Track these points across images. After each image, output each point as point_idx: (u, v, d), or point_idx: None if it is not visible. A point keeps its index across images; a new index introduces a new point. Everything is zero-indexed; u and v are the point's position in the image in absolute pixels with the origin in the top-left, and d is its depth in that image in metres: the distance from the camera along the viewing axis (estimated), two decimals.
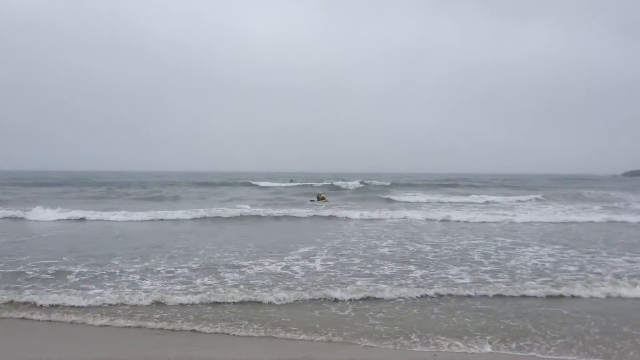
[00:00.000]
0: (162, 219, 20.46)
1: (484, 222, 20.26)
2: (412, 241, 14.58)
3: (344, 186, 48.44)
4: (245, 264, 11.04)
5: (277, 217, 21.44)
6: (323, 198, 30.27)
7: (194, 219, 20.74)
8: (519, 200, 32.55)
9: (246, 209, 23.46)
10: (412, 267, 10.78)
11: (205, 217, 20.94)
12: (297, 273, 10.16)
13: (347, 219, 20.77)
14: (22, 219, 20.47)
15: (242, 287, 8.86)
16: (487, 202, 30.90)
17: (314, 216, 21.81)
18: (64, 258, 11.65)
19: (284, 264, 11.09)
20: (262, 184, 52.51)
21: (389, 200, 32.84)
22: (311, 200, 30.70)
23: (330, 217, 21.36)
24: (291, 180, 61.31)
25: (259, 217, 21.43)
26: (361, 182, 53.25)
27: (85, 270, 10.29)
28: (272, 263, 11.14)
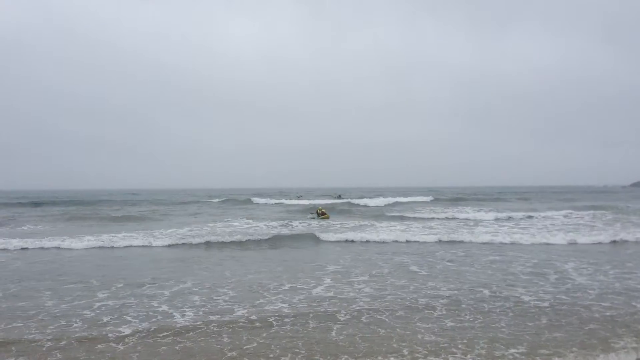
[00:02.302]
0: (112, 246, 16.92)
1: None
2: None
3: (361, 203, 45.34)
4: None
5: (275, 238, 18.82)
6: (324, 213, 29.08)
7: (164, 245, 17.27)
8: (595, 217, 27.43)
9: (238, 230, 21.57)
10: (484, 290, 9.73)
11: (178, 244, 17.36)
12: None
13: (356, 241, 17.98)
14: None
15: None
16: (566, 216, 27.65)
17: (314, 238, 18.97)
18: None
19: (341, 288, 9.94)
20: (262, 201, 51.03)
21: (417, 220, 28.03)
22: (310, 214, 29.39)
23: (338, 241, 18.26)
24: (299, 197, 59.97)
25: (252, 241, 18.05)
26: (388, 199, 49.06)
27: None
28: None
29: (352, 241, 18.19)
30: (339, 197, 54.86)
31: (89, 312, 8.19)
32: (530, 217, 28.21)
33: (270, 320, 7.59)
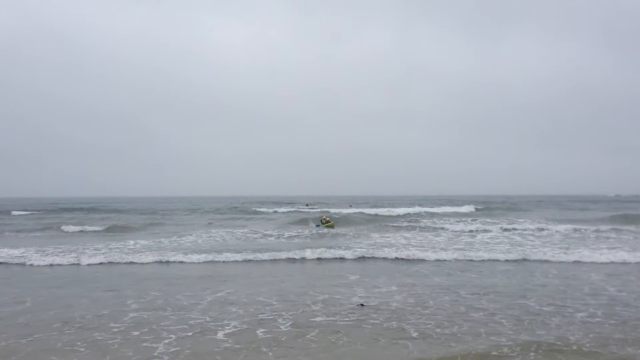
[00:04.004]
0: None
1: None
2: None
3: (393, 214, 40.24)
4: None
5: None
6: (328, 222, 28.12)
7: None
8: None
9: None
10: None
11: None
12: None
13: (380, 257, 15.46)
14: None
15: None
16: None
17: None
18: None
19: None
20: (270, 209, 49.91)
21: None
22: (317, 226, 28.29)
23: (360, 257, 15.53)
24: (308, 205, 59.59)
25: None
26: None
27: None
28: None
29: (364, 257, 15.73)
30: (350, 206, 54.50)
31: (117, 325, 7.74)
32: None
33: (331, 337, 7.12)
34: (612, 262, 14.45)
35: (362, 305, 8.73)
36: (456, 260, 15.04)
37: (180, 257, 15.56)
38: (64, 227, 28.95)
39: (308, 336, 6.97)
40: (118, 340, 6.95)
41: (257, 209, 50.16)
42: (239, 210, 50.26)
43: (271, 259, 15.51)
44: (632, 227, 24.09)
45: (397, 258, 15.47)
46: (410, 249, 17.19)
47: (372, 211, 43.46)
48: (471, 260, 14.85)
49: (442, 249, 17.17)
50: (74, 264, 14.83)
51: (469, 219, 31.58)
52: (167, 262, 15.24)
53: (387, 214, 41.14)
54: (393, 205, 53.54)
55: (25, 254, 16.03)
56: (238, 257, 15.78)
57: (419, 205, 53.09)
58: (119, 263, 15.05)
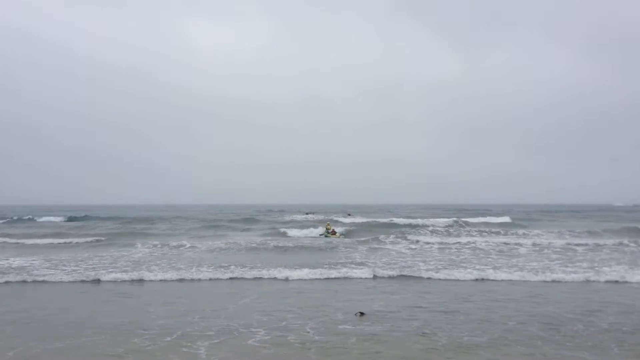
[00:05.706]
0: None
1: None
2: None
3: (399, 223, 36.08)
4: None
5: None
6: (334, 232, 28.08)
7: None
8: None
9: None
10: None
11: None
12: None
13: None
14: None
15: None
16: None
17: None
18: None
19: None
20: (267, 217, 49.39)
21: None
22: (321, 235, 28.19)
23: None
24: (307, 214, 59.47)
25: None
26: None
27: None
28: None
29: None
30: (349, 215, 54.43)
31: (143, 332, 7.74)
32: None
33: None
34: None
35: (361, 313, 8.66)
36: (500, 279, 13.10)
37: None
38: None
39: (348, 342, 7.00)
40: None
41: (255, 217, 49.59)
42: (236, 219, 49.37)
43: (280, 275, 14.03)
44: None
45: (403, 274, 14.01)
46: (414, 259, 17.21)
47: (373, 220, 43.07)
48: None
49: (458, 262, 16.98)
50: None
51: (485, 230, 30.50)
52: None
53: (389, 222, 40.38)
54: (395, 215, 53.12)
55: None
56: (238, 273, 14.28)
57: (421, 215, 52.31)
58: None
